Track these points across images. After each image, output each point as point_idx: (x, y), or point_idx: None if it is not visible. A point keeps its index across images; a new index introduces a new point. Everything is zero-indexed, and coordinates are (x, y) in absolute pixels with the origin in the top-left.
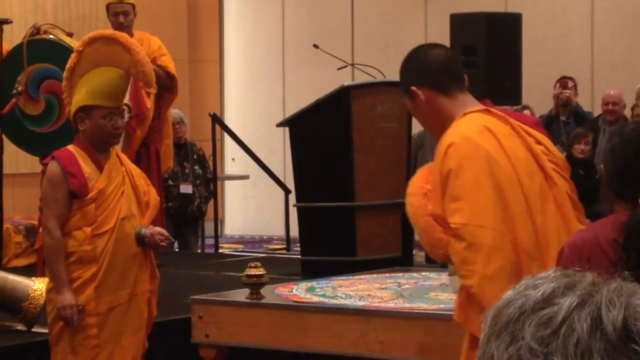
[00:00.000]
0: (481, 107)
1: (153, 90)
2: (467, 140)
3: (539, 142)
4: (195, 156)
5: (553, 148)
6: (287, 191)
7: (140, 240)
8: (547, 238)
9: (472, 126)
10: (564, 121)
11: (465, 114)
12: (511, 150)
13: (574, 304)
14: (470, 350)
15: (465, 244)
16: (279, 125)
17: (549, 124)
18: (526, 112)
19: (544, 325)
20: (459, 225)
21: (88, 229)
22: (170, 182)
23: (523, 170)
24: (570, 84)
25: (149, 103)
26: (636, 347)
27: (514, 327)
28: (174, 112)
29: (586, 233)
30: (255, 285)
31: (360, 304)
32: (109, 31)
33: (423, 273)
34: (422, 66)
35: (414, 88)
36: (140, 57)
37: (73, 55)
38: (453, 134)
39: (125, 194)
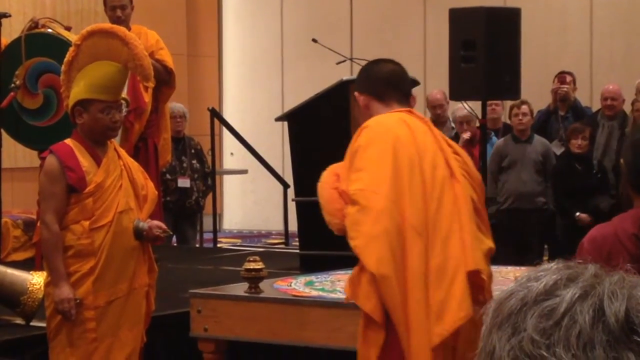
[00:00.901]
0: (409, 110)
1: (151, 85)
2: (380, 124)
3: (456, 153)
4: (193, 150)
5: (471, 165)
6: (285, 185)
7: (138, 233)
8: (437, 223)
9: (389, 117)
10: (563, 116)
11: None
12: (421, 141)
13: (576, 295)
14: (365, 328)
15: (358, 207)
16: (278, 119)
17: (547, 119)
18: (524, 107)
19: (546, 316)
20: (355, 191)
21: (86, 223)
22: (168, 176)
23: (428, 160)
24: (568, 78)
25: (147, 97)
26: (638, 339)
27: (515, 319)
28: (177, 106)
29: (606, 228)
30: (254, 279)
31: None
32: (107, 25)
33: None
34: (368, 76)
35: (356, 93)
36: (138, 50)
37: (71, 49)
38: (369, 120)
39: (123, 188)
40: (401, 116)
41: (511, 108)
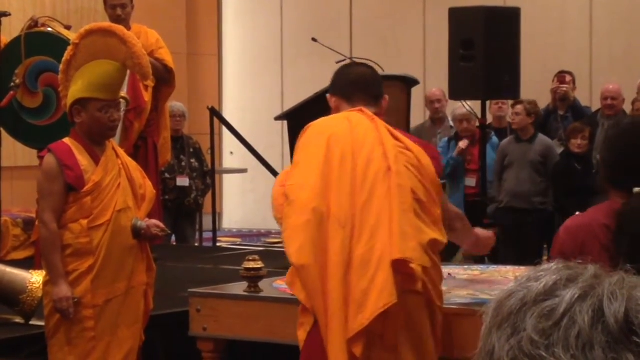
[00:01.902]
0: (360, 109)
1: (150, 83)
2: (320, 123)
3: (407, 149)
4: (191, 149)
5: (425, 161)
6: None
7: (137, 232)
8: (366, 215)
9: (335, 116)
10: (562, 115)
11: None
12: (360, 137)
13: (576, 296)
14: (300, 313)
15: (287, 201)
16: (278, 118)
17: (546, 119)
18: (518, 107)
19: (546, 317)
20: (288, 186)
21: (84, 222)
22: (167, 175)
23: (363, 155)
24: (568, 78)
25: (147, 96)
26: (637, 340)
27: (515, 319)
28: (177, 105)
29: (581, 218)
30: (254, 278)
31: None
32: (106, 24)
33: None
34: (338, 79)
35: (328, 95)
36: (136, 49)
37: (70, 47)
38: (315, 121)
39: (121, 187)
40: (347, 114)
41: (512, 106)
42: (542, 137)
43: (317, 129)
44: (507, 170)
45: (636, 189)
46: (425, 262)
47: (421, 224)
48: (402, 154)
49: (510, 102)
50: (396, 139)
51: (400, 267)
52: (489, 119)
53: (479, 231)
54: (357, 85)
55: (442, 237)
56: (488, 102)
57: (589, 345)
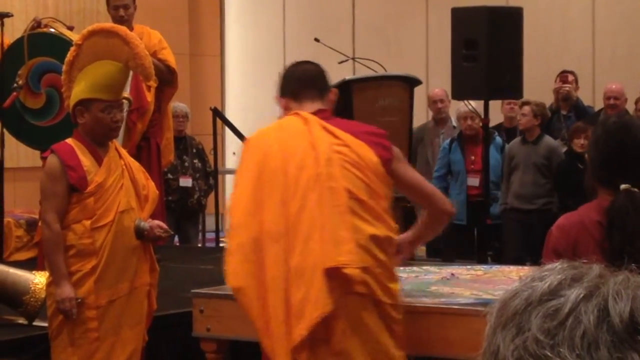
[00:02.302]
0: (296, 112)
1: (153, 84)
2: (254, 139)
3: (345, 145)
4: (194, 150)
5: (367, 154)
6: None
7: (140, 233)
8: (298, 225)
9: (269, 127)
10: (565, 115)
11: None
12: (291, 147)
13: (581, 295)
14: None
15: (229, 225)
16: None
17: (549, 118)
18: (525, 108)
19: (551, 316)
20: (228, 208)
21: (87, 222)
22: (169, 176)
23: (294, 163)
24: (570, 78)
25: (150, 97)
26: None
27: (520, 319)
28: (180, 105)
29: (573, 216)
30: None
31: None
32: (108, 24)
33: (424, 267)
34: (283, 79)
35: (276, 97)
36: (139, 50)
37: (72, 48)
38: (253, 134)
39: (124, 188)
40: (280, 123)
41: (520, 107)
42: (547, 139)
43: (250, 146)
44: (514, 173)
45: (623, 186)
46: (365, 262)
47: (360, 223)
48: (338, 152)
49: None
50: (334, 136)
51: (336, 273)
52: (500, 119)
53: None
54: (302, 82)
55: (387, 231)
56: (500, 102)
57: (594, 345)
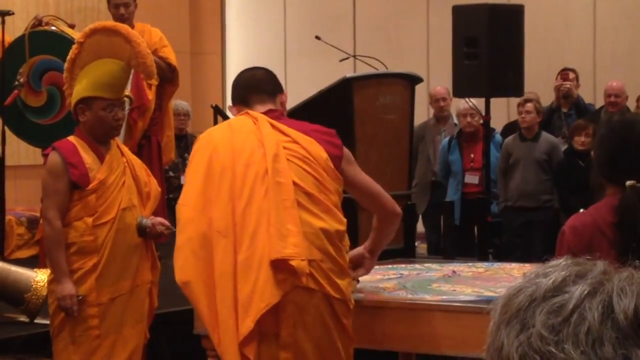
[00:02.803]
0: (246, 112)
1: (154, 82)
2: (205, 136)
3: (294, 141)
4: None
5: (316, 150)
6: None
7: (142, 230)
8: (246, 221)
9: (219, 126)
10: (566, 113)
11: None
12: (240, 144)
13: (585, 292)
14: None
15: (177, 221)
16: None
17: (550, 116)
18: (528, 105)
19: (555, 313)
20: (177, 205)
21: (89, 220)
22: (171, 174)
23: (242, 160)
24: (571, 75)
25: (151, 95)
26: None
27: (524, 315)
28: (181, 104)
29: (585, 217)
30: None
31: (362, 295)
32: (110, 23)
33: (425, 264)
34: (233, 87)
35: (229, 107)
36: (141, 48)
37: (74, 46)
38: (203, 133)
39: (126, 185)
40: (230, 122)
41: (518, 105)
42: (546, 135)
43: (201, 144)
44: (513, 169)
45: (628, 182)
46: (312, 255)
47: (308, 216)
48: (286, 148)
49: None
50: (282, 133)
51: (282, 266)
52: (502, 117)
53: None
54: (249, 87)
55: (334, 225)
56: (496, 101)
57: (598, 341)
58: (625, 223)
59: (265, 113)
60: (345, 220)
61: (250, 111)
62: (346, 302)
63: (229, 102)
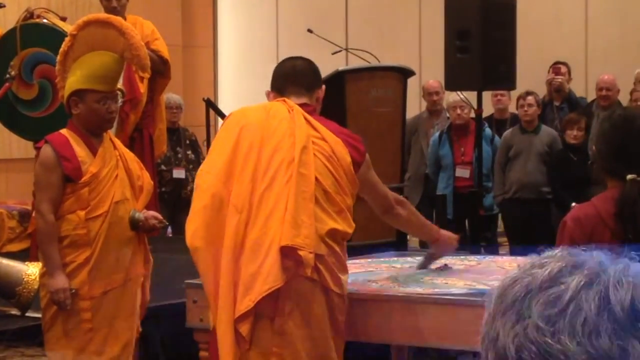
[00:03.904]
0: (283, 99)
1: (146, 75)
2: (238, 112)
3: (323, 139)
4: (187, 141)
5: (341, 152)
6: None
7: (134, 224)
8: (263, 202)
9: (255, 106)
10: (558, 106)
11: None
12: (272, 127)
13: (582, 283)
14: None
15: (195, 186)
16: None
17: (542, 110)
18: (530, 98)
19: (551, 304)
20: (198, 171)
21: (82, 213)
22: (163, 167)
23: (271, 145)
24: (563, 69)
25: (142, 88)
26: None
27: (520, 306)
28: (173, 97)
29: (587, 208)
30: None
31: (355, 288)
32: (104, 15)
33: (418, 257)
34: (274, 73)
35: (266, 91)
36: (135, 41)
37: (67, 39)
38: (237, 110)
39: (119, 178)
40: (267, 104)
41: (518, 99)
42: (546, 128)
43: (234, 119)
44: (513, 161)
45: (629, 176)
46: (320, 249)
47: (321, 213)
48: (315, 143)
49: (508, 93)
50: (314, 128)
51: (290, 254)
52: (491, 110)
53: (442, 231)
54: (287, 77)
55: (345, 227)
56: (489, 94)
57: (595, 332)
58: (625, 217)
59: (300, 106)
60: (354, 225)
61: (287, 99)
62: (344, 298)
63: (220, 95)
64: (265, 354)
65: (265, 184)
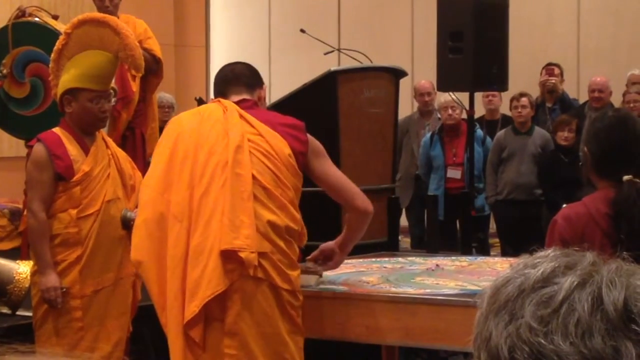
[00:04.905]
0: (218, 100)
1: (138, 74)
2: (174, 120)
3: (259, 134)
4: None
5: (279, 146)
6: None
7: (126, 223)
8: (202, 208)
9: (191, 111)
10: (550, 108)
11: None
12: (206, 131)
13: (575, 283)
14: None
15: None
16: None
17: (535, 111)
18: (523, 99)
19: (544, 304)
20: (140, 185)
21: (73, 212)
22: None
23: (205, 149)
24: (556, 71)
25: (135, 86)
26: (636, 328)
27: (513, 306)
28: (166, 96)
29: (578, 207)
30: None
31: (346, 288)
32: (99, 14)
33: (409, 258)
34: (215, 81)
35: (211, 99)
36: (129, 41)
37: (61, 37)
38: (173, 117)
39: (111, 177)
40: (200, 108)
41: (511, 100)
42: (539, 129)
43: (170, 128)
44: (506, 163)
45: (626, 177)
46: (263, 247)
47: (262, 210)
48: (251, 140)
49: (499, 94)
50: (249, 124)
51: (231, 256)
52: (482, 111)
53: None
54: (228, 81)
55: (288, 221)
56: (480, 95)
57: (588, 333)
58: (622, 217)
59: (238, 102)
60: (299, 217)
61: (222, 99)
62: (295, 293)
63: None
64: (219, 356)
65: (202, 189)
